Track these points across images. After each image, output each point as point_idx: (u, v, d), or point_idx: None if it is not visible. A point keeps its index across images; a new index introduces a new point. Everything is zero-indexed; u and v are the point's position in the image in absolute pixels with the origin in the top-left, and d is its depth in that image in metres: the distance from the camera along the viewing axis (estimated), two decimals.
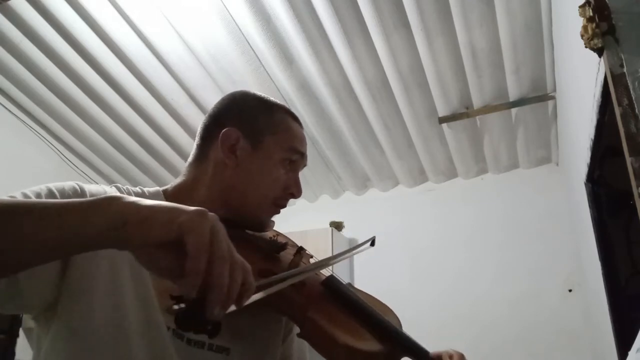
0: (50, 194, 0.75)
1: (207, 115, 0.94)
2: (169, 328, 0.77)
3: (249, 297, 0.54)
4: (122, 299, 0.74)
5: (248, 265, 0.54)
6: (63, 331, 0.73)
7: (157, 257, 0.53)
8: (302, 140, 0.93)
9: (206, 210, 0.54)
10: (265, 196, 0.88)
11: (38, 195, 0.73)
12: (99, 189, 0.83)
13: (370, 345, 0.77)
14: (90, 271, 0.73)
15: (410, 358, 0.80)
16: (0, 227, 0.52)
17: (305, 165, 0.94)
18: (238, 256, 0.53)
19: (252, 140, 0.88)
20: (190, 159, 0.92)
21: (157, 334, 0.75)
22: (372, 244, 0.95)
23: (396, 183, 3.40)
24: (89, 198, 0.57)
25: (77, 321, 0.72)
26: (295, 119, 0.94)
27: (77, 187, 0.79)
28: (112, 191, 0.84)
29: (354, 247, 0.94)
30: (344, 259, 0.91)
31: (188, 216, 0.52)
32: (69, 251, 0.55)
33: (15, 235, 0.52)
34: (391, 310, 0.90)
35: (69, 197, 0.76)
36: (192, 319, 0.50)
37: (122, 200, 0.54)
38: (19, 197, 0.70)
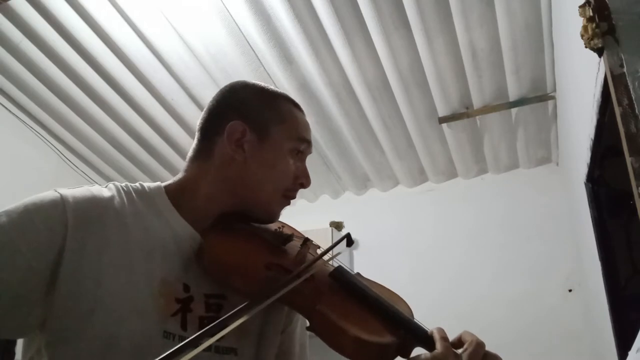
0: (27, 215, 0.72)
1: (206, 109, 0.90)
2: (174, 335, 0.75)
3: None
4: (114, 308, 0.72)
5: None
6: (52, 337, 0.71)
7: None
8: (307, 128, 0.91)
9: None
10: (276, 189, 0.87)
11: (11, 219, 0.71)
12: (84, 193, 0.78)
13: (381, 336, 0.75)
14: (77, 289, 0.71)
15: (423, 348, 0.78)
16: None
17: (310, 152, 0.92)
18: None
19: (258, 133, 0.86)
20: (191, 154, 0.89)
21: (154, 343, 0.73)
22: (349, 244, 0.92)
23: (396, 183, 3.40)
24: None
25: (65, 332, 0.70)
26: (297, 106, 0.93)
27: (57, 198, 0.75)
28: (102, 191, 0.81)
29: (330, 246, 0.89)
30: (329, 258, 0.88)
31: None
32: None
33: None
34: (402, 299, 0.88)
35: (48, 212, 0.73)
36: None
37: None
38: None
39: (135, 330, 0.72)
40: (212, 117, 0.89)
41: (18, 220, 0.72)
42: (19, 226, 0.71)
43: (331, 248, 0.88)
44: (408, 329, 0.79)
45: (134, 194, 0.84)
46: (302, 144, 0.89)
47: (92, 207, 0.77)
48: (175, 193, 0.86)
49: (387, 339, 0.76)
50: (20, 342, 0.80)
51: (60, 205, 0.74)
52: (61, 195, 0.75)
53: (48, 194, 0.75)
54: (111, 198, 0.80)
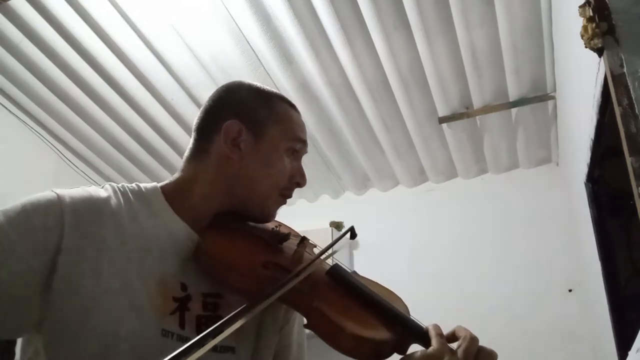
0: (24, 214, 0.72)
1: (202, 109, 0.91)
2: (172, 334, 0.76)
3: None
4: (112, 307, 0.72)
5: None
6: (50, 336, 0.71)
7: None
8: (303, 127, 0.92)
9: None
10: (272, 187, 0.87)
11: (9, 219, 0.72)
12: (81, 193, 0.79)
13: (379, 333, 0.76)
14: (74, 288, 0.71)
15: (420, 344, 0.78)
16: None
17: (306, 152, 0.93)
18: None
19: (254, 132, 0.87)
20: (187, 154, 0.90)
21: (152, 342, 0.73)
22: (353, 237, 0.93)
23: (396, 183, 3.40)
24: None
25: (65, 330, 0.71)
26: (293, 106, 0.94)
27: (54, 198, 0.75)
28: (98, 191, 0.82)
29: (334, 241, 0.91)
30: (328, 255, 0.89)
31: None
32: None
33: None
34: (398, 297, 0.89)
35: (45, 211, 0.73)
36: None
37: None
38: None
39: (133, 329, 0.73)
40: (209, 116, 0.90)
41: (16, 219, 0.72)
42: (16, 226, 0.71)
43: (336, 241, 0.89)
44: (404, 325, 0.79)
45: (130, 195, 0.84)
46: (297, 143, 0.90)
47: (88, 207, 0.77)
48: (171, 193, 0.87)
49: (383, 335, 0.76)
50: (20, 343, 0.80)
51: (57, 205, 0.74)
52: (58, 195, 0.76)
53: (45, 194, 0.76)
54: (108, 198, 0.81)
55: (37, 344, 0.73)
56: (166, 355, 0.67)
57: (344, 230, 0.90)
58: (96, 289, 0.72)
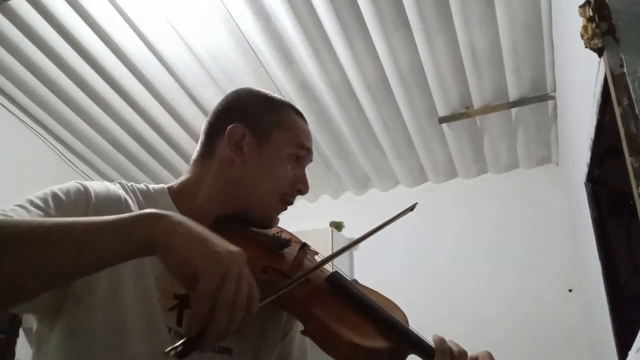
0: (56, 198, 0.74)
1: (211, 113, 0.94)
2: (170, 329, 0.77)
3: (247, 321, 0.58)
4: (122, 300, 0.74)
5: (255, 294, 0.59)
6: (64, 331, 0.73)
7: (180, 277, 0.59)
8: (308, 135, 0.93)
9: (234, 252, 0.59)
10: (272, 192, 0.88)
11: (45, 201, 0.73)
12: (101, 187, 0.82)
13: (376, 342, 0.76)
14: (92, 278, 0.72)
15: (417, 355, 0.78)
16: (32, 255, 0.55)
17: (311, 160, 0.94)
18: (245, 290, 0.57)
19: (258, 137, 0.88)
20: (194, 156, 0.92)
21: (158, 335, 0.75)
22: (412, 209, 0.96)
23: (396, 183, 3.40)
24: (120, 217, 0.59)
25: (78, 321, 0.72)
26: (300, 114, 0.95)
27: (81, 187, 0.79)
28: (115, 189, 0.84)
29: (395, 215, 0.94)
30: (384, 226, 0.92)
31: (205, 261, 0.57)
32: (96, 268, 0.60)
33: (51, 261, 0.56)
34: (397, 306, 0.89)
35: (74, 199, 0.76)
36: (188, 351, 0.56)
37: (163, 221, 0.58)
38: (27, 205, 0.70)
39: (140, 316, 0.75)
40: (216, 120, 0.92)
41: (46, 197, 0.74)
42: (46, 202, 0.73)
43: (398, 216, 0.92)
44: (402, 335, 0.79)
45: (139, 194, 0.87)
46: (301, 150, 0.91)
47: (108, 198, 0.81)
48: (177, 195, 0.89)
49: (380, 344, 0.76)
50: (20, 343, 0.81)
51: (83, 192, 0.78)
52: (83, 185, 0.80)
53: (71, 183, 0.79)
54: (122, 194, 0.84)
55: (50, 336, 0.74)
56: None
57: (408, 207, 0.94)
58: (111, 279, 0.74)
